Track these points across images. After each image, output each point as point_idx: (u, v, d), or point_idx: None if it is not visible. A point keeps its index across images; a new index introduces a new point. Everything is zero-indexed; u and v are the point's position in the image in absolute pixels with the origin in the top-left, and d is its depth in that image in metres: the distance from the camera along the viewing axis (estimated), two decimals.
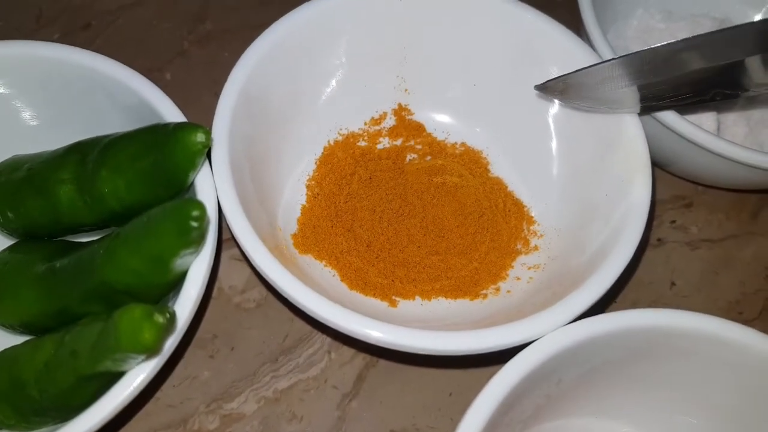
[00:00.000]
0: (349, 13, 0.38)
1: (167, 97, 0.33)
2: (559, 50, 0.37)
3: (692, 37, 0.30)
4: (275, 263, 0.30)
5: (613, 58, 0.32)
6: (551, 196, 0.38)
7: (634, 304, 0.39)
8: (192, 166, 0.30)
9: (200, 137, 0.29)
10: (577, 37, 0.37)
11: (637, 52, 0.31)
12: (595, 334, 0.28)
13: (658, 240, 0.41)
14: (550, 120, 0.39)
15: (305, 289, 0.29)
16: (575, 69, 0.33)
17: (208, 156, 0.32)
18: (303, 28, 0.37)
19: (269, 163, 0.37)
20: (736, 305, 0.39)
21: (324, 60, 0.39)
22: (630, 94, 0.32)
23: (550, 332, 0.28)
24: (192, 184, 0.31)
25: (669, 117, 0.36)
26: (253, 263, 0.30)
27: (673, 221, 0.42)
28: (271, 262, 0.30)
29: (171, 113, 0.33)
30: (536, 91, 0.35)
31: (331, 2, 0.38)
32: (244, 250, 0.30)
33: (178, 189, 0.31)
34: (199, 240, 0.28)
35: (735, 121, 0.44)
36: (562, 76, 0.33)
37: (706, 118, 0.41)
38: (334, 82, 0.40)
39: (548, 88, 0.34)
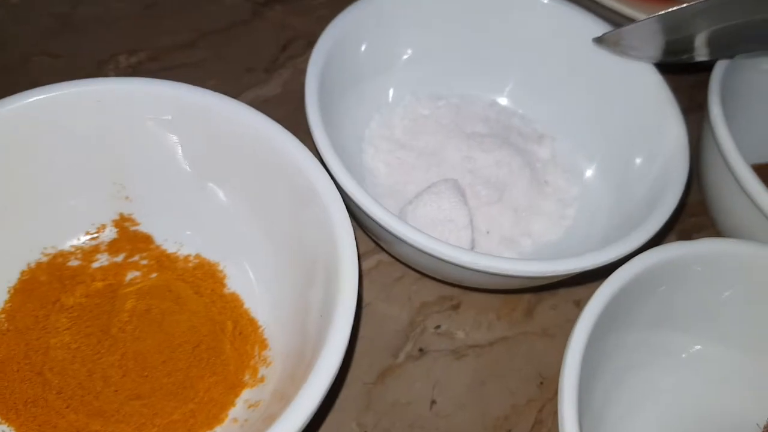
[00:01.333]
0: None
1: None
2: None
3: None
4: None
5: (658, 14, 0.36)
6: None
7: (387, 431, 0.34)
8: None
9: None
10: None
11: (680, 7, 0.35)
12: None
13: (420, 350, 0.37)
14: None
15: None
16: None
17: None
18: None
19: None
20: (504, 421, 0.35)
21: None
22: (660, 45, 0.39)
23: None
24: None
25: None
26: None
27: (438, 326, 0.38)
28: None
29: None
30: (593, 42, 0.41)
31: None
32: None
33: None
34: None
35: (500, 211, 0.41)
36: (616, 29, 0.39)
37: (462, 215, 0.37)
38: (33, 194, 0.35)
39: (605, 40, 0.39)
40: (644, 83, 0.41)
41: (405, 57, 0.44)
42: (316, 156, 0.33)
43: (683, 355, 0.36)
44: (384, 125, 0.44)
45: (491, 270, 0.31)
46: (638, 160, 0.41)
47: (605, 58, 0.42)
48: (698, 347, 0.36)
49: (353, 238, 0.30)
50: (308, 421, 0.25)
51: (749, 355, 0.36)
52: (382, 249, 0.40)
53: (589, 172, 0.43)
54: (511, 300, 0.40)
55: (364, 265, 0.40)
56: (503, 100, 0.46)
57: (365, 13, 0.41)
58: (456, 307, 0.39)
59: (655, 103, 0.40)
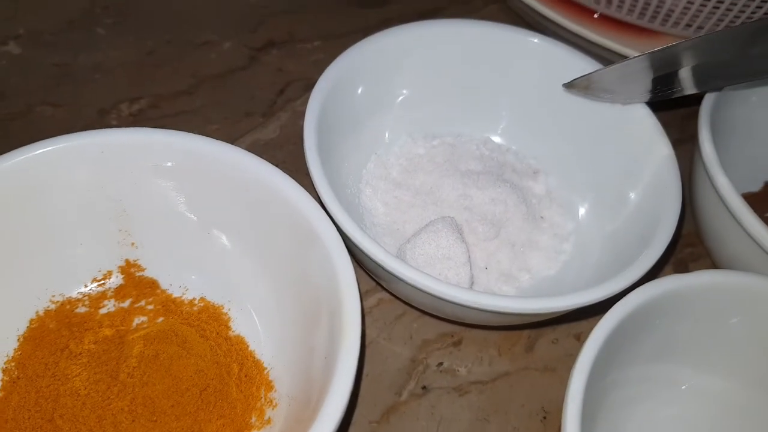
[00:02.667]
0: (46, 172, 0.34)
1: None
2: None
3: (692, 38, 0.36)
4: None
5: (630, 58, 0.37)
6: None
7: None
8: None
9: None
10: None
11: (649, 52, 0.36)
12: None
13: (423, 388, 0.37)
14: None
15: None
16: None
17: None
18: None
19: None
20: None
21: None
22: (642, 86, 0.39)
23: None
24: None
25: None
26: None
27: (440, 363, 0.38)
28: None
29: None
30: (564, 88, 0.41)
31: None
32: None
33: None
34: None
35: (498, 247, 0.42)
36: (585, 75, 0.39)
37: (460, 252, 0.38)
38: (40, 243, 0.36)
39: (574, 85, 0.39)
40: (633, 117, 0.42)
41: (400, 99, 0.45)
42: (315, 197, 0.34)
43: (683, 387, 0.37)
44: (381, 165, 0.45)
45: (490, 308, 0.32)
46: (631, 195, 0.42)
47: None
48: (698, 380, 0.37)
49: (355, 279, 0.31)
50: None
51: (748, 387, 0.36)
52: (383, 287, 0.41)
53: (583, 207, 0.44)
54: (512, 335, 0.40)
55: (366, 304, 0.41)
56: (497, 138, 0.48)
57: (361, 57, 0.42)
58: (457, 344, 0.40)
59: (644, 137, 0.41)
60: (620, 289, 0.33)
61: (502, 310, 0.32)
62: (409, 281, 0.33)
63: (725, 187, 0.38)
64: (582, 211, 0.44)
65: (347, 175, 0.43)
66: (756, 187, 0.50)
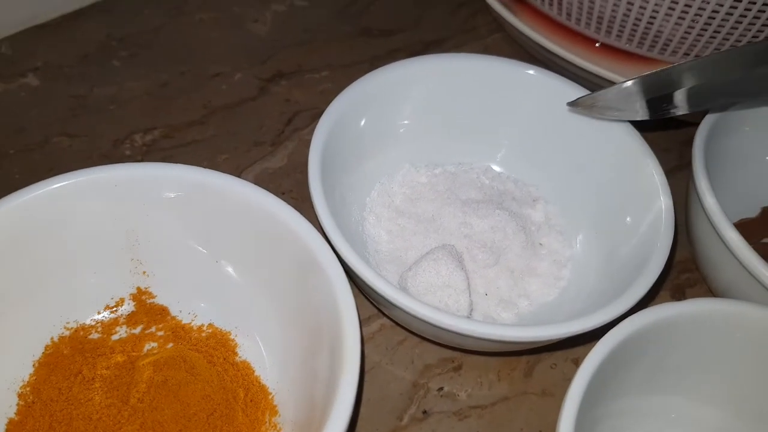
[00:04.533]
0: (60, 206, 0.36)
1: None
2: None
3: (693, 59, 0.37)
4: None
5: (630, 79, 0.39)
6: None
7: None
8: None
9: None
10: None
11: (651, 72, 0.38)
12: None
13: (424, 413, 0.38)
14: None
15: None
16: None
17: None
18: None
19: None
20: None
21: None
22: (647, 104, 0.40)
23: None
24: None
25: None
26: None
27: (441, 388, 0.39)
28: None
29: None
30: (568, 106, 0.42)
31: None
32: None
33: None
34: None
35: (497, 274, 0.43)
36: (590, 94, 0.41)
37: (460, 280, 0.39)
38: (56, 273, 0.37)
39: (579, 104, 0.41)
40: (625, 144, 0.43)
41: (402, 129, 0.47)
42: (319, 227, 0.36)
43: (673, 416, 0.37)
44: (384, 194, 0.46)
45: (486, 336, 0.33)
46: (627, 220, 0.43)
47: (588, 122, 0.44)
48: (690, 409, 0.38)
49: (355, 309, 0.32)
50: None
51: (742, 417, 0.37)
52: (384, 314, 0.42)
53: (581, 233, 0.45)
54: (511, 360, 0.41)
55: (368, 330, 0.42)
56: (497, 167, 0.49)
57: (366, 90, 0.44)
58: (458, 369, 0.41)
59: (637, 164, 0.42)
60: (614, 317, 0.35)
61: (497, 338, 0.33)
62: (409, 310, 0.34)
63: (717, 215, 0.39)
64: (580, 237, 0.45)
65: (351, 204, 0.44)
66: (753, 213, 0.51)
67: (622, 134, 0.43)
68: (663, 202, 0.40)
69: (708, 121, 0.45)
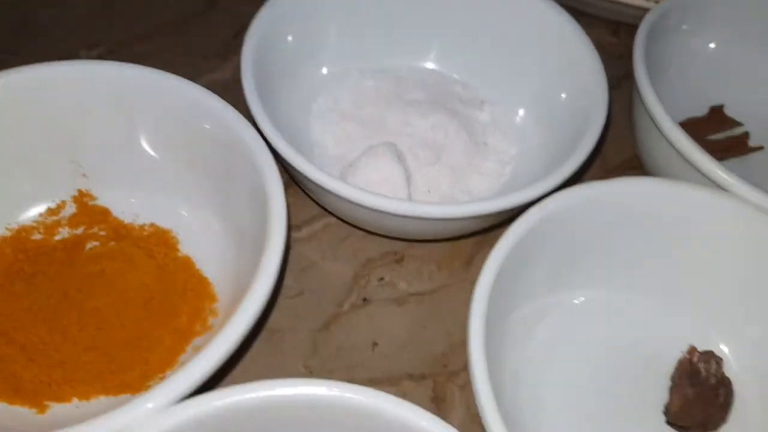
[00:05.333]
0: None
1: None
2: None
3: None
4: None
5: None
6: None
7: (331, 373, 0.36)
8: None
9: None
10: None
11: None
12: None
13: (364, 300, 0.40)
14: None
15: None
16: None
17: None
18: None
19: None
20: (442, 358, 0.38)
21: None
22: None
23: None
24: None
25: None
26: None
27: (382, 278, 0.40)
28: None
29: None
30: None
31: None
32: None
33: None
34: None
35: (439, 171, 0.43)
36: None
37: (398, 174, 0.40)
38: None
39: None
40: (557, 23, 0.44)
41: (333, 37, 0.47)
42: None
43: (582, 299, 0.39)
44: (331, 99, 0.47)
45: (410, 214, 0.34)
46: (563, 96, 0.43)
47: (517, 8, 0.45)
48: (598, 292, 0.39)
49: (281, 189, 0.33)
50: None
51: (649, 297, 0.39)
52: (330, 213, 0.43)
53: (526, 129, 0.46)
54: (452, 252, 0.42)
55: (312, 228, 0.43)
56: (431, 65, 0.49)
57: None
58: (400, 261, 0.42)
59: (569, 41, 0.43)
60: (544, 192, 0.35)
61: (421, 215, 0.34)
62: (341, 194, 0.35)
63: (650, 97, 0.39)
64: (525, 132, 0.46)
65: (294, 112, 0.44)
66: (702, 112, 0.51)
67: (552, 14, 0.44)
68: (597, 81, 0.40)
69: (648, 21, 0.45)
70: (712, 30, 0.50)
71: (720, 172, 0.36)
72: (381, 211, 0.35)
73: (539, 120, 0.45)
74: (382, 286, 0.40)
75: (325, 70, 0.47)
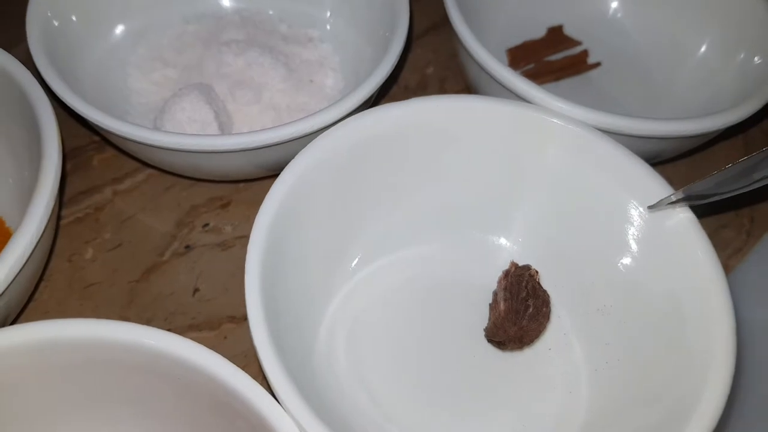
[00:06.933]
0: None
1: None
2: None
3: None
4: None
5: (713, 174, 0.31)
6: None
7: (149, 322, 0.35)
8: None
9: None
10: None
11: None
12: None
13: (186, 247, 0.39)
14: None
15: None
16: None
17: None
18: None
19: None
20: None
21: None
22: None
23: None
24: None
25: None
26: None
27: (206, 224, 0.39)
28: None
29: None
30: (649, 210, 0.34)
31: None
32: None
33: None
34: None
35: (261, 111, 0.42)
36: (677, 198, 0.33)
37: (205, 112, 0.39)
38: None
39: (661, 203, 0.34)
40: None
41: None
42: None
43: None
44: (150, 47, 0.45)
45: (206, 149, 0.33)
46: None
47: None
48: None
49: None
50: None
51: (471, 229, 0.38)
52: (150, 165, 0.41)
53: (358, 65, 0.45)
54: None
55: (133, 181, 0.41)
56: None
57: None
58: (226, 206, 0.41)
59: None
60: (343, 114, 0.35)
61: (208, 149, 0.33)
62: (137, 139, 0.34)
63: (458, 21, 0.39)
64: (357, 68, 0.45)
65: (109, 61, 0.43)
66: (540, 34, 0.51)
67: None
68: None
69: None
70: None
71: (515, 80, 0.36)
72: (174, 149, 0.34)
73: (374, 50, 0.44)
74: (207, 231, 0.39)
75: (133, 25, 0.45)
